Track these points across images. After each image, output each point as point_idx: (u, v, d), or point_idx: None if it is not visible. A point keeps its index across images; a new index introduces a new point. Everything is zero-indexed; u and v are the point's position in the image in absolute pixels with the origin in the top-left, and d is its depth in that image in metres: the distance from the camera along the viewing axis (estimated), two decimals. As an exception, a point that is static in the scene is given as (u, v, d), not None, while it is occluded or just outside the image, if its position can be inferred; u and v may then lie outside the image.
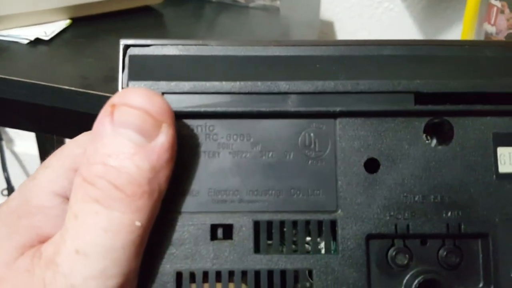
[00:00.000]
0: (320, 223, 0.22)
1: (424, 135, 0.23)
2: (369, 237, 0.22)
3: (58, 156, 0.24)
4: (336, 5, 0.83)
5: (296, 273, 0.22)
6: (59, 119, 0.48)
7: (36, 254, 0.21)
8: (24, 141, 1.09)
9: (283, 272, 0.22)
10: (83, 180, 0.20)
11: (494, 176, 0.23)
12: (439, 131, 0.23)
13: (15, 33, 0.54)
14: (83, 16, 0.60)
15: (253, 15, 0.71)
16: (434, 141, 0.24)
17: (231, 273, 0.22)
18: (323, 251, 0.22)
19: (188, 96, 0.23)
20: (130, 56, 0.23)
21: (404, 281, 0.23)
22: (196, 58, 0.23)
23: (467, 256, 0.23)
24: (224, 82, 0.23)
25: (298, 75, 0.23)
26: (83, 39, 0.56)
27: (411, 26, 0.82)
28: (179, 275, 0.22)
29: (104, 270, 0.19)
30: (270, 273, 0.22)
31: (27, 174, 1.12)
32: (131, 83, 0.22)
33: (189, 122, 0.23)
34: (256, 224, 0.22)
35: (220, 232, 0.22)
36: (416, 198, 0.23)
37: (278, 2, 0.72)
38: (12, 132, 1.09)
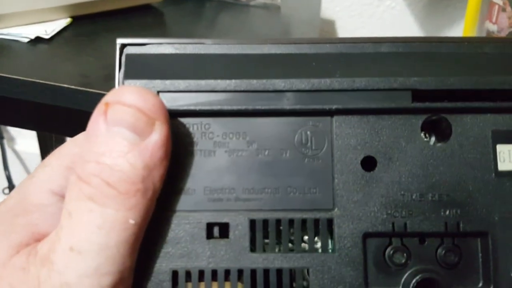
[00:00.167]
0: (316, 221, 0.22)
1: (422, 132, 0.23)
2: (366, 235, 0.22)
3: (57, 155, 0.24)
4: (336, 4, 0.83)
5: (292, 272, 0.22)
6: (60, 117, 0.48)
7: (31, 252, 0.21)
8: (25, 140, 1.09)
9: (279, 271, 0.22)
10: (78, 178, 0.20)
11: (493, 174, 0.23)
12: (437, 128, 0.23)
13: (15, 31, 0.54)
14: (84, 15, 0.60)
15: (253, 14, 0.71)
16: (432, 139, 0.23)
17: (227, 272, 0.22)
18: (319, 249, 0.22)
19: (184, 95, 0.23)
20: (127, 55, 0.23)
21: (402, 280, 0.22)
22: (192, 56, 0.23)
23: (466, 255, 0.23)
24: (219, 80, 0.23)
25: (294, 73, 0.23)
26: (83, 38, 0.56)
27: (412, 24, 0.82)
28: (175, 273, 0.22)
29: (98, 267, 0.19)
30: (266, 272, 0.22)
31: (28, 172, 1.13)
32: (127, 82, 0.22)
33: (185, 120, 0.23)
34: (252, 223, 0.22)
35: (216, 230, 0.22)
36: (414, 196, 0.23)
37: (278, 1, 0.72)
38: (13, 130, 1.10)
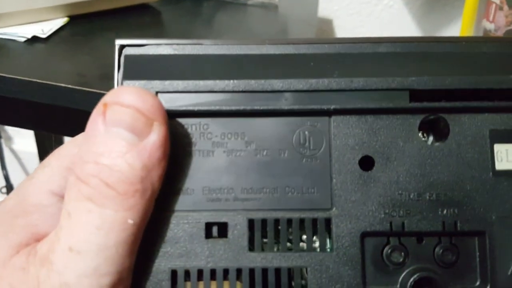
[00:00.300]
0: (314, 221, 0.22)
1: (420, 132, 0.23)
2: (364, 234, 0.22)
3: (56, 155, 0.24)
4: (334, 2, 0.83)
5: (290, 271, 0.22)
6: (56, 116, 0.48)
7: (31, 252, 0.21)
8: (23, 139, 1.09)
9: (277, 270, 0.22)
10: (77, 179, 0.20)
11: (491, 173, 0.23)
12: (435, 128, 0.23)
13: (12, 31, 0.54)
14: (81, 14, 0.60)
15: (251, 13, 0.71)
16: (430, 138, 0.23)
17: (225, 271, 0.22)
18: (318, 249, 0.22)
19: (182, 95, 0.23)
20: (125, 56, 0.23)
21: (400, 279, 0.22)
22: (191, 57, 0.23)
23: (463, 254, 0.23)
24: (218, 81, 0.23)
25: (292, 73, 0.23)
26: (80, 37, 0.56)
27: (410, 23, 0.82)
28: (174, 273, 0.22)
29: (97, 268, 0.19)
30: (265, 271, 0.22)
31: (26, 171, 1.13)
32: (126, 83, 0.23)
33: (184, 121, 0.23)
34: (251, 222, 0.22)
35: (214, 230, 0.22)
36: (412, 196, 0.23)
37: (276, 0, 0.72)
38: (11, 130, 1.09)
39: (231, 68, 0.23)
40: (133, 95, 0.20)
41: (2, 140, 1.08)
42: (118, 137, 0.20)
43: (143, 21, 0.63)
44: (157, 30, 0.61)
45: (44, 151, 0.93)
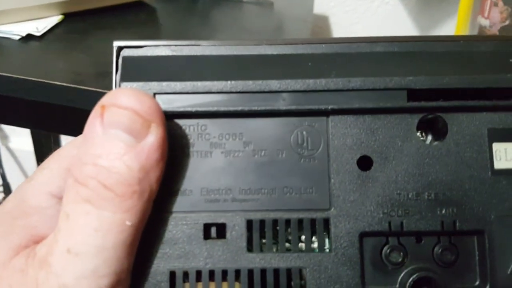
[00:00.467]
0: (313, 221, 0.22)
1: (418, 131, 0.23)
2: (363, 234, 0.22)
3: (56, 157, 0.24)
4: (330, -1, 0.83)
5: (289, 271, 0.22)
6: (52, 114, 0.47)
7: (30, 254, 0.21)
8: (19, 138, 1.09)
9: (276, 271, 0.22)
10: (75, 181, 0.20)
11: (490, 172, 0.23)
12: (433, 127, 0.23)
13: (6, 29, 0.54)
14: (75, 12, 0.59)
15: (246, 10, 0.71)
16: (428, 138, 0.23)
17: (224, 272, 0.22)
18: (316, 249, 0.22)
19: (180, 96, 0.22)
20: (123, 58, 0.23)
21: (399, 278, 0.22)
22: (188, 58, 0.23)
23: (463, 254, 0.23)
24: (215, 82, 0.22)
25: (290, 74, 0.23)
26: (75, 35, 0.56)
27: (405, 19, 0.82)
28: (172, 274, 0.22)
29: (95, 269, 0.19)
30: (263, 271, 0.22)
31: (22, 170, 1.12)
32: (123, 84, 0.22)
33: (181, 122, 0.23)
34: (249, 223, 0.22)
35: (213, 231, 0.22)
36: (410, 195, 0.23)
37: (272, -3, 0.72)
38: (7, 128, 1.09)
39: (228, 69, 0.23)
40: (131, 97, 0.20)
41: (-2, 139, 1.07)
42: (116, 139, 0.20)
43: (139, 19, 0.62)
44: (152, 28, 0.61)
45: (40, 149, 0.93)
